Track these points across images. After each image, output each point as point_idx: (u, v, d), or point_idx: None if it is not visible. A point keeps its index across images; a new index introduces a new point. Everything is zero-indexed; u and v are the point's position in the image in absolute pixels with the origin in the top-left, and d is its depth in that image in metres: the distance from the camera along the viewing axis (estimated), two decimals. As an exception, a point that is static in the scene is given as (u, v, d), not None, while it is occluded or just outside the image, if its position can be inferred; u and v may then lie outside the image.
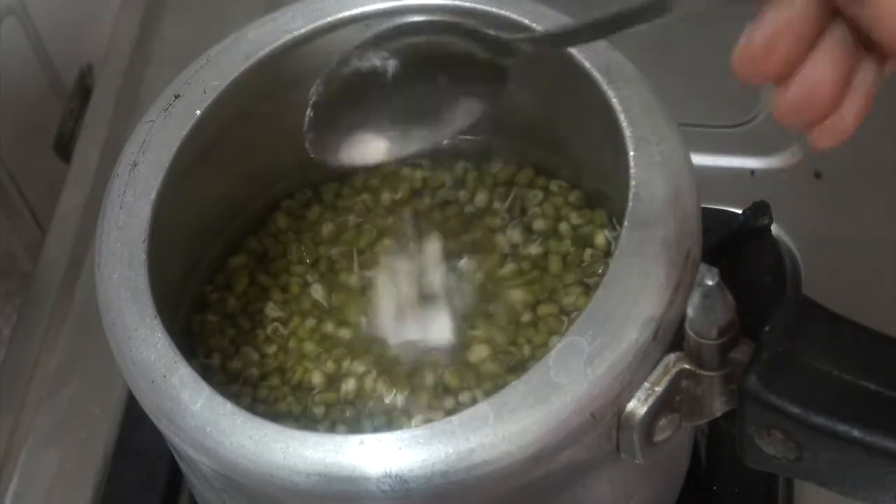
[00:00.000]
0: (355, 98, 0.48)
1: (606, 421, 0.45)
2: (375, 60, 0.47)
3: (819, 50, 0.37)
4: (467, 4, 0.52)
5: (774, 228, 0.64)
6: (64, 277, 0.69)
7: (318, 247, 0.57)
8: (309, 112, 0.47)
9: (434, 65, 0.47)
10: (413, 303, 0.55)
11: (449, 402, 0.52)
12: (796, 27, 0.36)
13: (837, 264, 0.65)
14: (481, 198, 0.58)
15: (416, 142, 0.48)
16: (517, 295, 0.54)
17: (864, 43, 0.37)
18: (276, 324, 0.55)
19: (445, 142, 0.58)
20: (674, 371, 0.45)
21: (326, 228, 0.58)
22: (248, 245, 0.58)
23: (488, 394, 0.48)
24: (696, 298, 0.44)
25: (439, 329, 0.54)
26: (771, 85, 0.38)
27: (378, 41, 0.47)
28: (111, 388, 0.65)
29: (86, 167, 0.73)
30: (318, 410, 0.53)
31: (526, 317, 0.54)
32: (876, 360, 0.44)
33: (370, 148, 0.48)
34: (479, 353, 0.53)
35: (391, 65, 0.47)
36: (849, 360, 0.44)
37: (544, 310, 0.54)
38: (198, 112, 0.52)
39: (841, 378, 0.44)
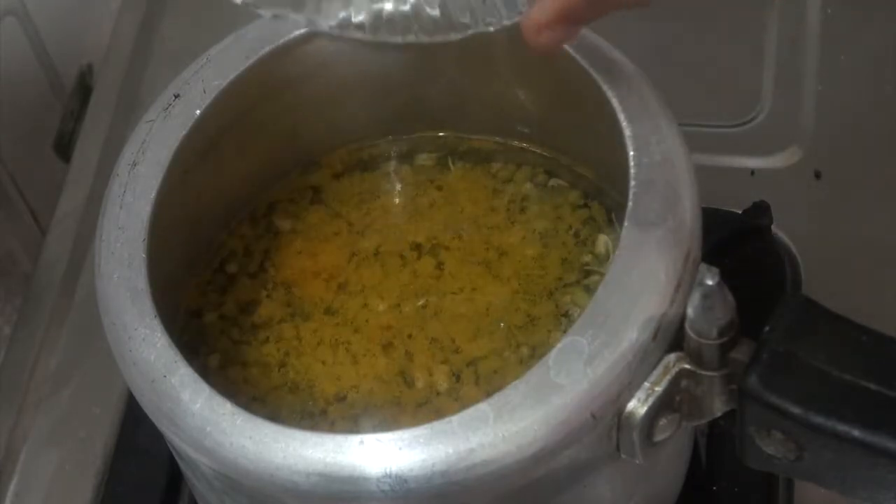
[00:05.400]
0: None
1: (606, 421, 0.45)
2: None
3: None
4: (467, 4, 0.52)
5: (774, 228, 0.64)
6: (64, 277, 0.69)
7: (318, 247, 0.57)
8: None
9: None
10: (412, 302, 0.55)
11: (445, 400, 0.53)
12: None
13: (837, 264, 0.65)
14: (482, 198, 0.58)
15: None
16: (516, 294, 0.55)
17: None
18: (276, 324, 0.55)
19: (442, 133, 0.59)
20: (674, 371, 0.45)
21: (326, 228, 0.58)
22: (247, 245, 0.58)
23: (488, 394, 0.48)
24: (696, 298, 0.44)
25: (438, 327, 0.54)
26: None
27: None
28: (111, 388, 0.65)
29: (86, 167, 0.73)
30: (319, 410, 0.53)
31: (524, 317, 0.54)
32: (876, 360, 0.44)
33: None
34: (474, 354, 0.53)
35: None
36: (849, 360, 0.44)
37: (544, 310, 0.54)
38: (198, 112, 0.52)
39: (841, 378, 0.44)
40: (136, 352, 0.46)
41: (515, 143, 0.58)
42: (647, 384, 0.45)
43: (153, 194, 0.50)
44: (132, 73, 0.77)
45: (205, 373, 0.46)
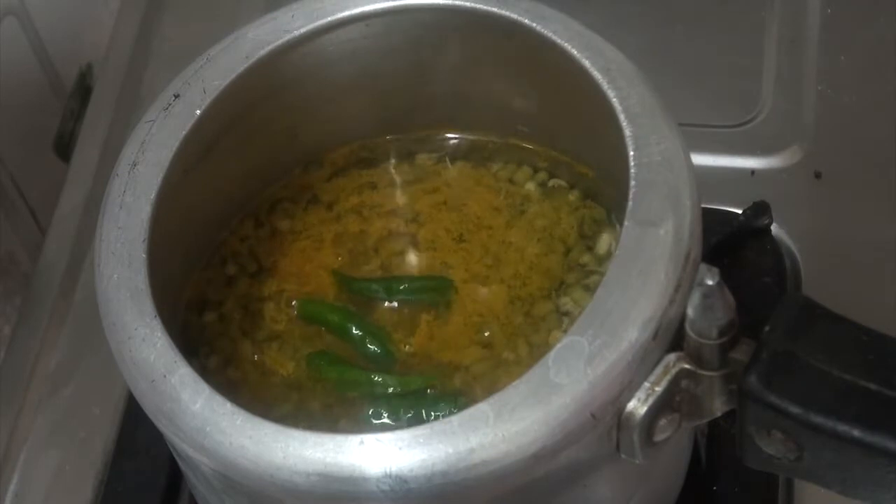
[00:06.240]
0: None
1: (606, 421, 0.45)
2: None
3: None
4: (468, 4, 0.52)
5: (774, 228, 0.64)
6: (64, 277, 0.69)
7: (318, 246, 0.57)
8: None
9: None
10: (413, 302, 0.55)
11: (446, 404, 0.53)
12: None
13: (837, 264, 0.65)
14: (482, 197, 0.58)
15: None
16: (516, 294, 0.55)
17: None
18: (275, 323, 0.56)
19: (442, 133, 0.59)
20: (674, 371, 0.45)
21: (326, 229, 0.58)
22: (247, 245, 0.58)
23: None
24: (696, 298, 0.44)
25: (438, 328, 0.55)
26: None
27: None
28: (111, 388, 0.65)
29: (86, 167, 0.73)
30: (318, 410, 0.53)
31: (524, 317, 0.54)
32: (876, 360, 0.44)
33: None
34: (474, 354, 0.53)
35: None
36: (849, 360, 0.44)
37: (543, 309, 0.54)
38: (198, 112, 0.52)
39: (841, 378, 0.44)
40: (136, 352, 0.46)
41: (515, 142, 0.58)
42: (647, 384, 0.45)
43: (153, 194, 0.50)
44: (132, 73, 0.77)
45: (205, 373, 0.46)
